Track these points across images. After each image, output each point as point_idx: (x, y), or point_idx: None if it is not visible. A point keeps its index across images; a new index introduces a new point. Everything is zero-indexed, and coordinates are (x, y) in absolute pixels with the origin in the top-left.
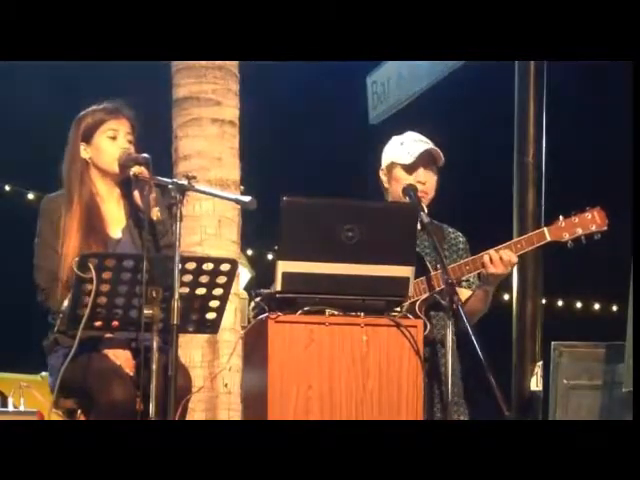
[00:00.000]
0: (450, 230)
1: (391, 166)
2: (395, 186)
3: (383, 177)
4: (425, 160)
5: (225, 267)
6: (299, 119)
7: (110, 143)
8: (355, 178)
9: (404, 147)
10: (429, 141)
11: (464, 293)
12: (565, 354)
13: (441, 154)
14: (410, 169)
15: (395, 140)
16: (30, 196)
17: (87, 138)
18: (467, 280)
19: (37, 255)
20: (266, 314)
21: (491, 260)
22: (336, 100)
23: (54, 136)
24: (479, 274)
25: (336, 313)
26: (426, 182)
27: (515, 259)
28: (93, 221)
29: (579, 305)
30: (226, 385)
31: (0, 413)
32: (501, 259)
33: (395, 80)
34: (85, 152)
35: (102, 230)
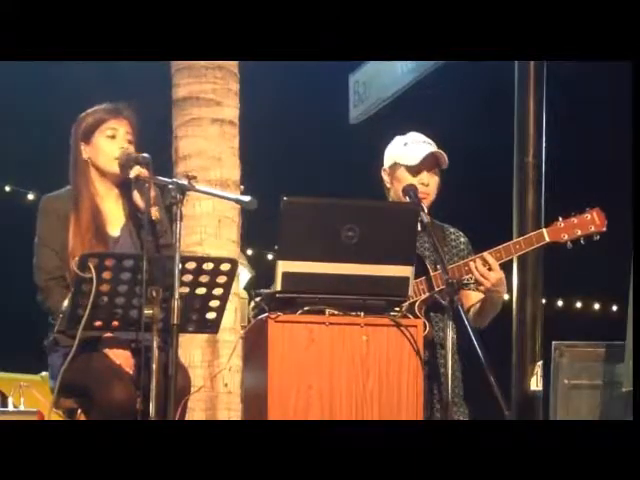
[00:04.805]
0: (451, 230)
1: (394, 166)
2: (397, 186)
3: (385, 177)
4: (430, 163)
5: (225, 267)
6: (298, 118)
7: (109, 142)
8: (355, 178)
9: (408, 148)
10: (432, 142)
11: (473, 296)
12: (565, 354)
13: (445, 157)
14: (414, 171)
15: (398, 140)
16: (30, 196)
17: (87, 138)
18: (475, 282)
19: (36, 255)
20: (266, 314)
21: (480, 273)
22: (336, 99)
23: (54, 136)
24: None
25: (336, 313)
26: (429, 184)
27: (482, 269)
28: (96, 220)
29: (579, 305)
30: (226, 385)
31: (0, 413)
32: (477, 269)
33: (377, 79)
34: (85, 152)
35: (103, 228)
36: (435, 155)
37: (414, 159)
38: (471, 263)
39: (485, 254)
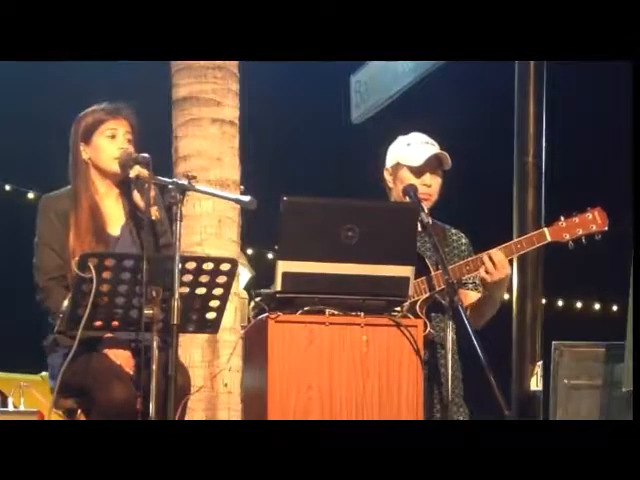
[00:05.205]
0: (453, 231)
1: (397, 167)
2: (400, 186)
3: (388, 177)
4: (433, 164)
5: (225, 267)
6: (298, 118)
7: (109, 142)
8: (355, 178)
9: (411, 149)
10: (435, 143)
11: (471, 296)
12: (565, 354)
13: (448, 158)
14: (417, 172)
15: (401, 140)
16: (30, 196)
17: (86, 138)
18: (474, 282)
19: (36, 255)
20: (266, 314)
21: (485, 269)
22: (336, 99)
23: (54, 136)
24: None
25: (336, 313)
26: (432, 185)
27: (501, 257)
28: (96, 220)
29: (579, 305)
30: (226, 385)
31: (0, 413)
32: (492, 261)
33: (378, 79)
34: (85, 153)
35: (103, 228)
36: (438, 156)
37: (417, 160)
38: (485, 256)
39: (493, 251)
